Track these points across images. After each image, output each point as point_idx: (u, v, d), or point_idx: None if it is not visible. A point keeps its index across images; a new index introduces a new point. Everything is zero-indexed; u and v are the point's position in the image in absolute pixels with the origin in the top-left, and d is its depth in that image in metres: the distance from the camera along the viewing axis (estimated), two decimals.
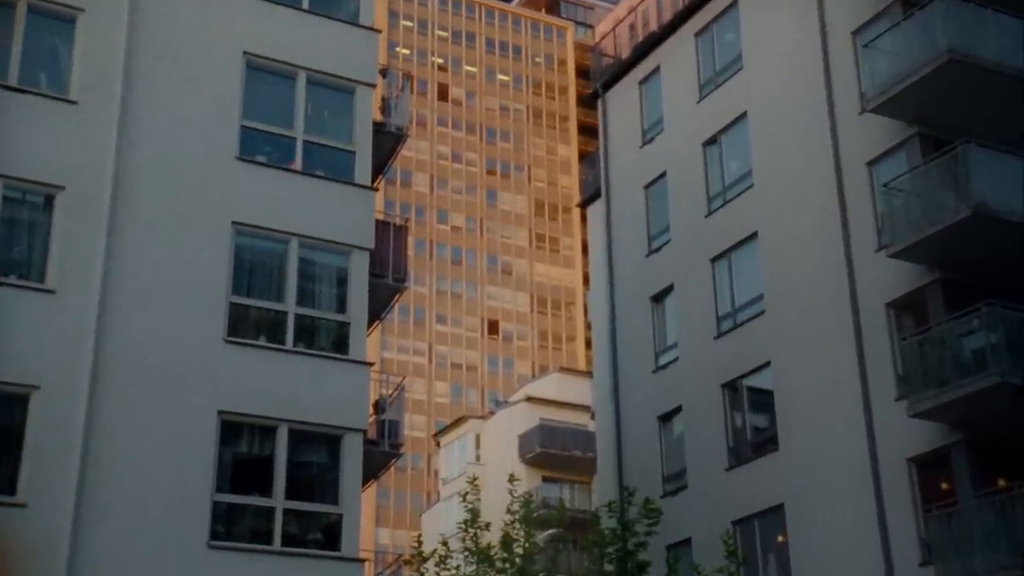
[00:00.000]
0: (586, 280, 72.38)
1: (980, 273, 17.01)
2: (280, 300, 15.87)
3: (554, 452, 40.56)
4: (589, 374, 34.17)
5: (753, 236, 21.08)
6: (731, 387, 20.96)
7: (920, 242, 16.99)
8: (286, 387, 15.38)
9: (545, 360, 79.72)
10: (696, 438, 21.37)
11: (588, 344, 73.31)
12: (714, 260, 21.92)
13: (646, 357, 23.20)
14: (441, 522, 44.68)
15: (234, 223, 15.85)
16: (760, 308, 20.61)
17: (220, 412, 14.94)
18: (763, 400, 20.34)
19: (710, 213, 22.31)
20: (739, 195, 21.64)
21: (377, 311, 17.98)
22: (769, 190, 20.94)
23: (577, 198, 73.44)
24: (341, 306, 16.27)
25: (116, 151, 15.28)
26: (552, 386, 44.90)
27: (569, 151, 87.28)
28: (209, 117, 16.12)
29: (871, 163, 18.85)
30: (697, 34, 23.32)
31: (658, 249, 23.61)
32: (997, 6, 17.44)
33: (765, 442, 20.02)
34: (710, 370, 21.25)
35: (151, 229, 15.29)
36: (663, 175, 23.86)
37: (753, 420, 20.68)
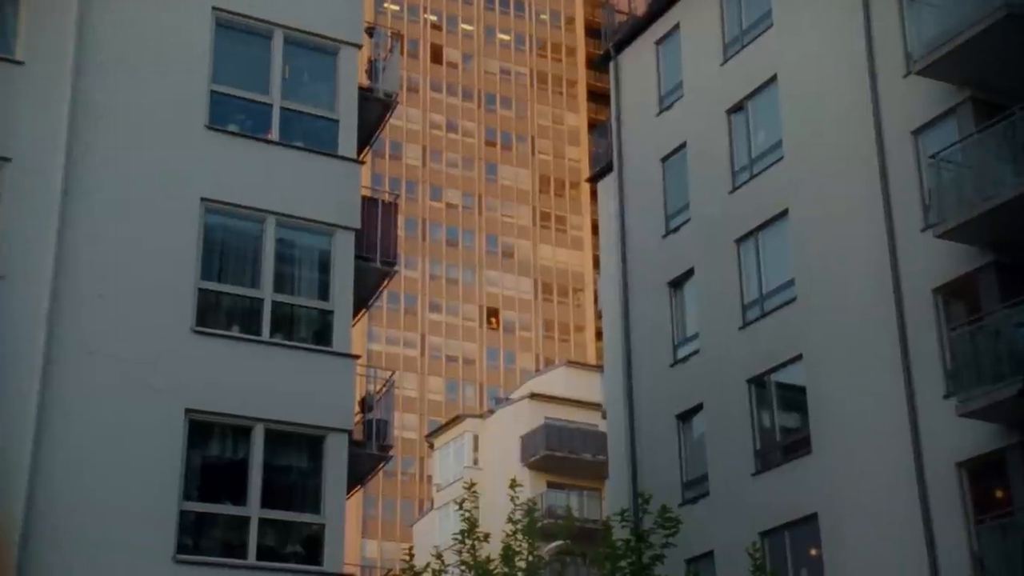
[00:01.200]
0: (596, 264, 72.37)
1: None
2: (255, 286, 15.84)
3: (561, 455, 40.65)
4: (600, 368, 34.16)
5: (783, 214, 21.01)
6: (758, 383, 20.92)
7: (972, 220, 16.86)
8: (262, 383, 15.36)
9: (551, 353, 79.79)
10: (719, 439, 21.36)
11: (598, 335, 73.38)
12: (739, 241, 21.85)
13: (663, 349, 23.17)
14: (435, 533, 44.80)
15: (203, 200, 15.78)
16: (791, 295, 20.57)
17: (188, 411, 14.91)
18: (794, 397, 20.31)
19: (735, 189, 22.22)
20: (768, 168, 21.55)
21: (364, 298, 17.96)
22: (802, 162, 20.85)
23: (586, 172, 73.41)
24: (323, 293, 16.26)
25: (69, 119, 15.14)
26: (558, 381, 44.95)
27: (578, 120, 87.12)
28: (174, 81, 16.02)
29: (917, 132, 18.73)
30: None
31: (677, 229, 23.56)
32: None
33: (796, 444, 20.01)
34: (735, 364, 21.22)
35: (109, 207, 15.20)
36: (682, 146, 23.79)
37: (783, 420, 20.66)
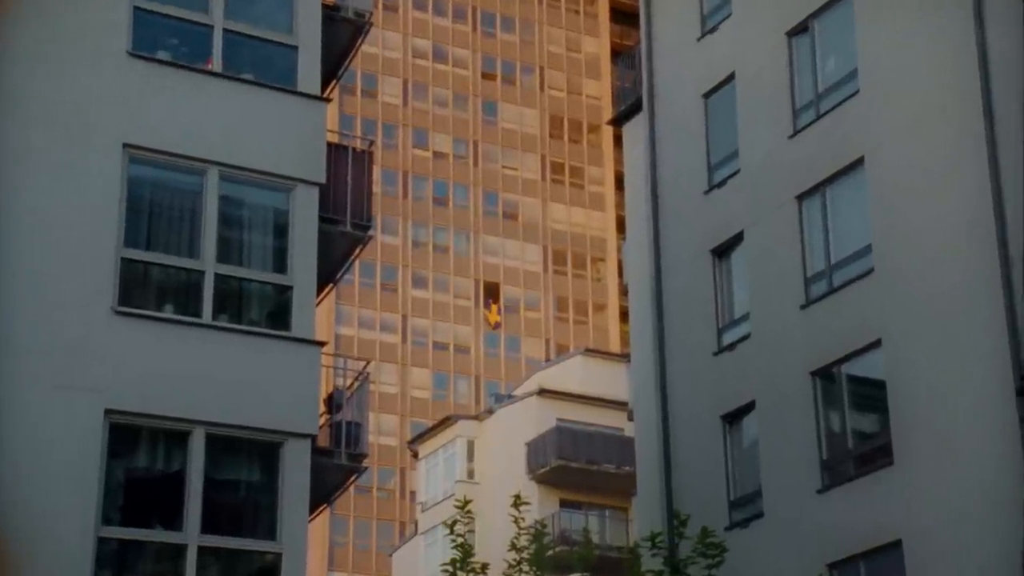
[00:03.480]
0: (621, 227, 72.31)
1: None
2: (193, 255, 15.86)
3: (576, 466, 40.77)
4: (625, 357, 34.13)
5: (858, 163, 20.91)
6: (825, 376, 20.87)
7: None
8: (202, 376, 15.39)
9: (564, 338, 79.88)
10: (775, 447, 21.36)
11: (623, 316, 73.37)
12: (802, 198, 21.77)
13: (705, 334, 23.13)
14: (419, 563, 44.98)
15: (126, 147, 15.74)
16: (867, 265, 20.50)
17: (108, 412, 14.90)
18: (871, 394, 20.27)
19: (797, 132, 22.13)
20: (839, 105, 21.45)
21: (330, 270, 18.00)
22: (883, 97, 20.73)
23: (609, 113, 73.19)
24: (280, 263, 16.32)
25: None
26: (574, 374, 45.00)
27: (598, 46, 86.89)
28: None
29: None
30: None
31: (722, 183, 23.49)
32: None
33: (874, 453, 20.00)
34: (795, 352, 21.21)
35: (6, 159, 15.12)
36: (730, 79, 23.71)
37: (857, 422, 20.65)
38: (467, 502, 17.98)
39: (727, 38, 23.85)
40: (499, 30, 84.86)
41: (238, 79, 16.60)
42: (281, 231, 16.46)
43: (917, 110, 20.16)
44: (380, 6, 78.80)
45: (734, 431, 22.46)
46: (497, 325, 78.24)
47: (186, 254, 15.84)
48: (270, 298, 16.38)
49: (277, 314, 16.23)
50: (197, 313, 15.66)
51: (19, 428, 14.47)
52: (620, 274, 65.42)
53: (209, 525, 15.05)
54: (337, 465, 17.13)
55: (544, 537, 18.12)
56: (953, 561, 18.38)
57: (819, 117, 21.78)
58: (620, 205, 74.11)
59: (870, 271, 20.36)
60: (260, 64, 16.85)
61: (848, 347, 20.45)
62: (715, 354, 22.91)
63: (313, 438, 15.95)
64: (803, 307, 21.36)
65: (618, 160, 76.27)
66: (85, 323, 14.98)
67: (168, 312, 15.65)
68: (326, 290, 18.49)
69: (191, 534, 14.94)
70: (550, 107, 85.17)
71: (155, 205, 16.00)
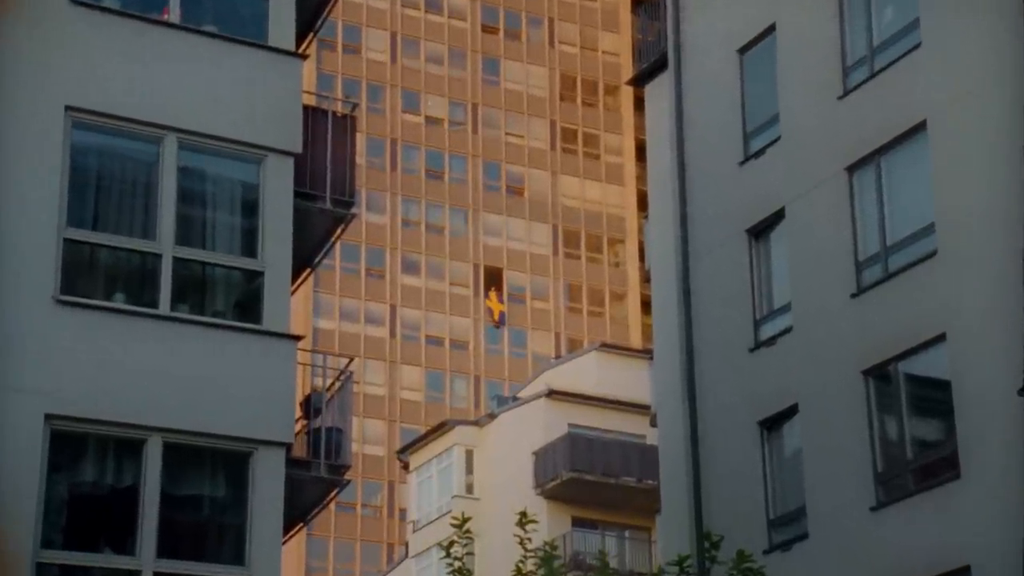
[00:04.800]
0: (643, 203, 72.14)
1: None
2: (148, 236, 15.86)
3: (592, 478, 40.79)
4: (647, 354, 34.11)
5: (919, 128, 20.87)
6: (880, 375, 20.86)
7: None
8: (159, 376, 15.42)
9: (577, 331, 79.94)
10: (822, 458, 21.35)
11: (646, 306, 73.38)
12: (853, 169, 21.74)
13: (740, 327, 23.14)
14: None
15: (68, 110, 15.74)
16: (929, 246, 20.48)
17: (49, 418, 14.89)
18: (934, 396, 20.29)
19: (847, 92, 22.09)
20: (897, 61, 21.39)
21: (308, 254, 18.03)
22: (949, 52, 20.69)
23: (629, 71, 73.08)
24: (249, 246, 16.36)
25: None
26: (588, 373, 45.03)
27: None
28: None
29: None
30: None
31: (761, 152, 23.49)
32: None
33: (937, 465, 20.00)
34: (845, 348, 21.19)
35: None
36: (770, 31, 23.70)
37: (917, 429, 20.65)
38: (465, 520, 17.95)
39: None
40: None
41: (199, 32, 16.63)
42: (250, 208, 16.48)
43: (989, 67, 20.07)
44: None
45: (774, 439, 22.47)
46: (501, 322, 78.12)
47: (139, 234, 15.83)
48: (238, 285, 16.42)
49: (246, 304, 16.26)
50: (153, 303, 15.64)
51: None
52: (641, 258, 65.43)
53: (167, 548, 15.05)
54: (315, 478, 17.12)
55: (554, 561, 18.04)
56: None
57: (873, 75, 21.72)
58: (641, 178, 73.92)
59: (932, 254, 20.31)
60: (224, 14, 16.91)
61: (907, 342, 20.42)
62: (751, 350, 22.91)
63: (288, 447, 15.98)
64: (854, 296, 21.31)
65: (639, 126, 76.03)
66: (22, 314, 14.95)
67: (119, 302, 15.62)
68: (302, 276, 18.51)
69: (146, 559, 14.92)
70: (561, 65, 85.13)
71: (103, 178, 16.00)
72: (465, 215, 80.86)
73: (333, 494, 17.72)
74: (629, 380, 41.47)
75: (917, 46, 21.08)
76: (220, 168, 16.60)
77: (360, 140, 69.37)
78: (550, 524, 38.02)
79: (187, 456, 15.51)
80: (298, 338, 16.37)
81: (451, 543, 17.86)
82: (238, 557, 15.37)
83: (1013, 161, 19.54)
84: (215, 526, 15.84)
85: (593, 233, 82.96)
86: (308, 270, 18.61)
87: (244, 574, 15.30)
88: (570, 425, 41.79)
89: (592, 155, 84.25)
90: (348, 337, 75.18)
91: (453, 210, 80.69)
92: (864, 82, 21.84)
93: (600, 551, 33.84)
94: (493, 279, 80.00)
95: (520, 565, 17.98)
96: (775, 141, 23.20)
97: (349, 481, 17.97)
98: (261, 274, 16.25)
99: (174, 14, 16.54)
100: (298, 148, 16.73)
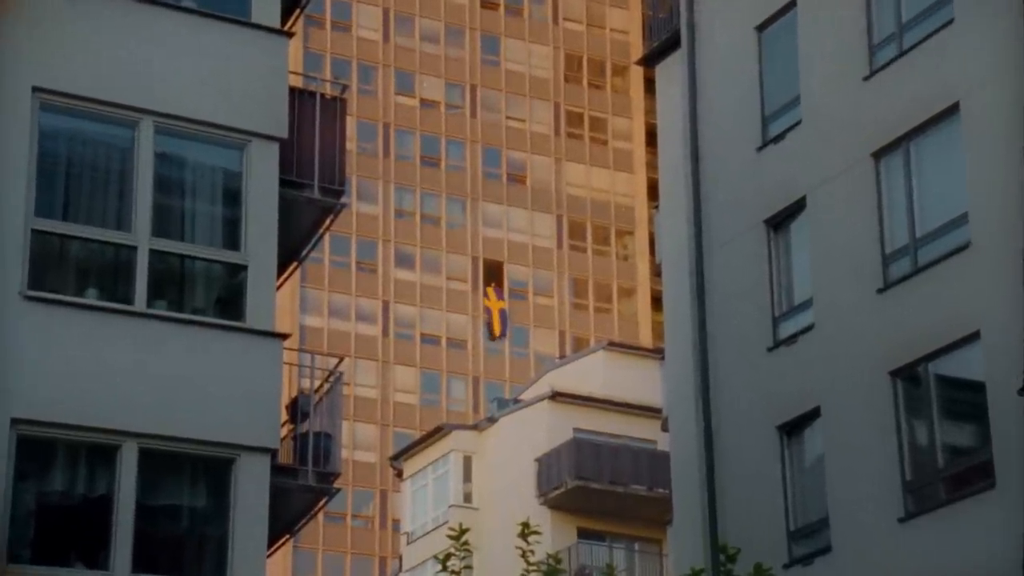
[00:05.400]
0: (653, 192, 72.13)
1: None
2: (123, 227, 15.88)
3: (598, 487, 40.79)
4: (658, 353, 34.09)
5: (952, 111, 20.82)
6: (909, 376, 20.85)
7: None
8: (135, 377, 15.43)
9: (582, 329, 79.94)
10: (846, 465, 21.33)
11: (656, 302, 73.29)
12: (880, 155, 21.72)
13: (758, 324, 23.15)
14: None
15: (36, 91, 15.75)
16: (962, 238, 20.45)
17: (15, 422, 14.93)
18: (967, 399, 20.28)
19: (874, 72, 22.05)
20: (927, 38, 21.33)
21: (295, 246, 18.07)
22: (984, 27, 20.55)
23: (639, 50, 73.07)
24: (231, 238, 16.41)
25: None
26: (595, 374, 45.07)
27: None
28: None
29: None
30: None
31: (780, 137, 23.49)
32: None
33: (971, 473, 19.94)
34: (871, 347, 21.16)
35: None
36: (790, 7, 23.69)
37: (949, 434, 20.62)
38: (463, 531, 18.00)
39: None
40: None
41: (177, 7, 16.66)
42: (232, 197, 16.52)
43: None
44: None
45: (794, 445, 22.45)
46: (501, 333, 78.07)
47: (113, 225, 15.86)
48: (219, 280, 16.47)
49: (228, 300, 16.30)
50: (128, 299, 15.67)
51: None
52: (652, 251, 65.34)
53: (142, 563, 15.06)
54: (302, 487, 17.16)
55: (558, 575, 18.08)
56: None
57: (902, 54, 21.67)
58: (652, 165, 74.02)
59: (965, 246, 20.27)
60: None
61: (937, 341, 20.38)
62: (770, 349, 22.91)
63: (273, 453, 16.00)
64: (880, 291, 21.27)
65: (649, 109, 76.01)
66: None
67: (91, 298, 15.65)
68: (289, 270, 18.52)
69: (120, 574, 14.92)
70: (565, 43, 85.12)
71: (74, 165, 16.02)
72: (463, 205, 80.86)
73: (321, 504, 17.73)
74: (638, 381, 41.54)
75: (949, 22, 21.00)
76: (200, 154, 16.62)
77: (350, 124, 69.42)
78: (554, 536, 38.00)
79: (164, 463, 15.52)
80: (284, 336, 16.39)
81: (448, 556, 17.89)
82: (219, 571, 15.40)
83: None
84: (195, 538, 15.84)
85: (600, 224, 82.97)
86: (295, 264, 18.62)
87: None
88: (575, 430, 41.76)
89: (599, 140, 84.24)
90: (337, 335, 75.20)
91: (450, 199, 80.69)
92: (892, 61, 21.78)
93: (608, 564, 33.83)
94: (493, 273, 79.98)
95: None
96: (796, 125, 23.16)
97: (339, 490, 17.92)
98: (244, 268, 16.29)
99: None
100: (284, 133, 16.77)
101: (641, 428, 40.60)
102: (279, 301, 16.84)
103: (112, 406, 15.21)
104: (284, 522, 17.32)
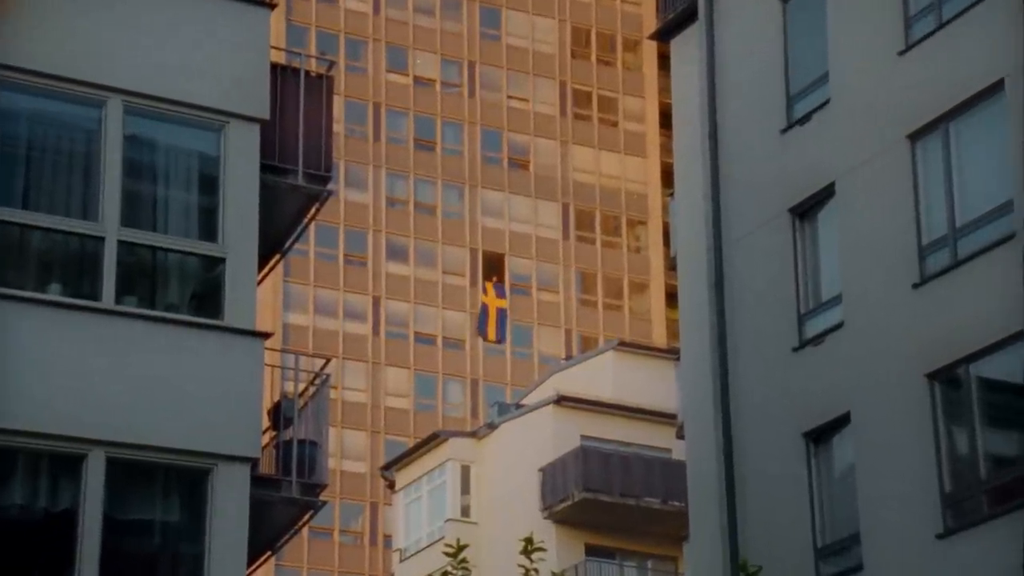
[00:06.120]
0: (667, 178, 72.13)
1: None
2: (89, 216, 15.89)
3: (608, 499, 40.88)
4: (673, 354, 34.06)
5: (996, 88, 20.78)
6: (948, 379, 20.86)
7: None
8: (103, 380, 15.44)
9: (590, 327, 79.95)
10: (880, 476, 21.33)
11: (671, 297, 73.34)
12: (916, 137, 21.72)
13: (782, 322, 23.17)
14: None
15: None
16: (1005, 228, 20.45)
17: None
18: (1011, 404, 20.32)
19: (910, 47, 22.04)
20: (969, 9, 21.27)
21: (277, 238, 18.09)
22: None
23: (652, 24, 73.06)
24: (208, 228, 16.42)
25: None
26: (604, 377, 45.13)
27: None
28: None
29: None
30: None
31: (806, 118, 23.50)
32: None
33: (1016, 485, 19.91)
34: (907, 347, 21.17)
35: None
36: None
37: (992, 443, 20.55)
38: (461, 548, 17.92)
39: None
40: None
41: None
42: (209, 184, 16.52)
43: None
44: None
45: (822, 454, 22.47)
46: (499, 337, 78.06)
47: (79, 214, 15.85)
48: (195, 274, 16.47)
49: (205, 296, 16.31)
50: (94, 295, 15.67)
51: None
52: (666, 242, 65.30)
53: None
54: (285, 499, 17.15)
55: None
56: None
57: (941, 26, 21.65)
58: (667, 149, 74.00)
59: (1010, 237, 20.24)
60: None
61: (979, 340, 20.34)
62: (795, 350, 22.93)
63: (253, 463, 15.99)
64: (916, 286, 21.28)
65: (664, 88, 76.01)
66: None
67: (54, 293, 15.63)
68: (271, 264, 18.50)
69: None
70: (572, 16, 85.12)
71: (36, 148, 16.01)
72: (460, 192, 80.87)
73: (306, 518, 17.71)
74: (651, 384, 41.51)
75: None
76: (173, 137, 16.62)
77: (338, 104, 69.35)
78: (560, 552, 37.98)
79: (134, 474, 15.52)
80: (266, 336, 16.41)
81: (444, 574, 17.88)
82: None
83: None
84: (167, 556, 15.85)
85: (610, 213, 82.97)
86: (277, 256, 18.60)
87: None
88: (583, 437, 41.86)
89: (609, 122, 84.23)
90: (324, 334, 75.22)
91: (446, 186, 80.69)
92: (930, 34, 21.77)
93: None
94: (493, 267, 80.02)
95: None
96: (824, 105, 23.17)
97: (325, 502, 17.94)
98: (222, 261, 16.29)
99: None
100: (265, 114, 16.77)
101: (654, 435, 40.63)
102: (260, 297, 16.89)
103: (77, 412, 15.19)
104: (265, 538, 17.30)
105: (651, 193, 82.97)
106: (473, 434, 47.63)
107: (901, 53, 22.05)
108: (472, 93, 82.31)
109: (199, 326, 16.06)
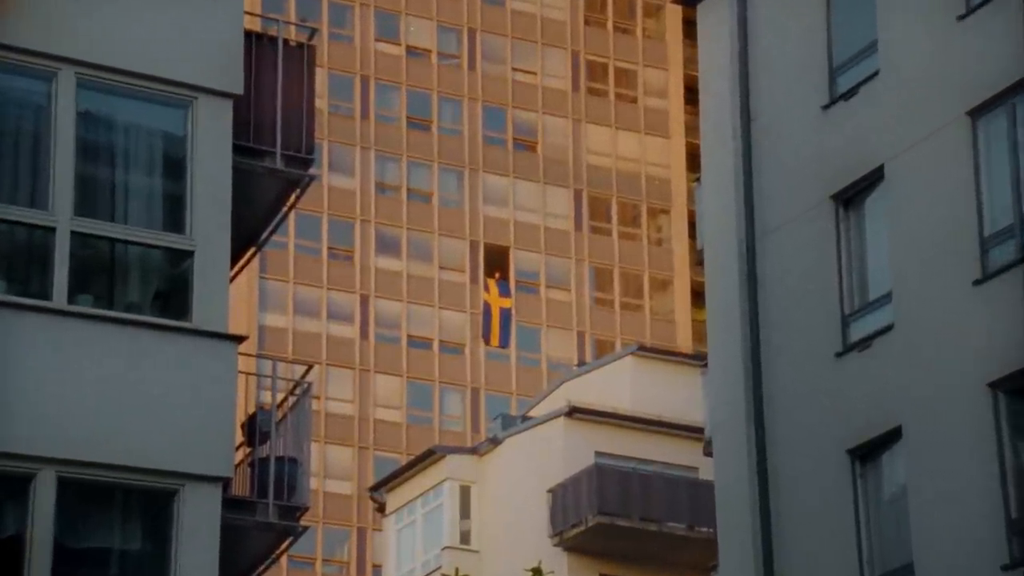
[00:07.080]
0: (693, 162, 72.15)
1: None
2: (38, 204, 15.96)
3: (626, 524, 41.04)
4: (700, 360, 34.06)
5: None
6: (1013, 389, 20.82)
7: None
8: (53, 390, 15.48)
9: (606, 330, 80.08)
10: (936, 498, 21.35)
11: (697, 295, 73.41)
12: (977, 114, 21.73)
13: (823, 324, 23.21)
14: None
15: None
16: None
17: None
18: None
19: (970, 11, 22.02)
20: None
21: (253, 228, 18.19)
22: None
23: None
24: (174, 218, 16.51)
25: None
26: (621, 385, 45.31)
27: None
28: None
29: None
30: None
31: (852, 92, 23.56)
32: None
33: None
34: (966, 353, 21.21)
35: None
36: None
37: None
38: None
39: None
40: None
41: None
42: (176, 167, 16.62)
43: None
44: None
45: (870, 473, 22.51)
46: (502, 341, 78.11)
47: (26, 202, 15.93)
48: (159, 270, 16.57)
49: (170, 295, 16.43)
50: (44, 293, 15.74)
51: None
52: (692, 234, 65.39)
53: None
54: (262, 524, 17.23)
55: None
56: None
57: None
58: (692, 128, 74.08)
59: None
60: None
61: None
62: (839, 355, 22.96)
63: (225, 483, 16.08)
64: (977, 283, 21.27)
65: (690, 59, 76.13)
66: None
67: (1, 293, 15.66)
68: (245, 258, 18.60)
69: None
70: None
71: None
72: (459, 177, 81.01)
73: (285, 545, 17.80)
74: (675, 395, 41.69)
75: None
76: (134, 114, 16.74)
77: (320, 77, 69.45)
78: None
79: (89, 496, 15.63)
80: (239, 339, 16.49)
81: None
82: None
83: None
84: None
85: (628, 201, 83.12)
86: (252, 249, 18.71)
87: None
88: (597, 454, 42.00)
89: (627, 98, 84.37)
90: (305, 337, 75.37)
91: (443, 170, 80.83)
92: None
93: None
94: (496, 262, 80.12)
95: None
96: (872, 77, 23.21)
97: (306, 528, 17.98)
98: (190, 255, 16.36)
99: None
100: (238, 88, 16.87)
101: (678, 452, 40.84)
102: (233, 295, 16.91)
103: (24, 426, 15.24)
104: (239, 568, 17.39)
105: (675, 178, 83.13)
106: (474, 450, 47.74)
107: (960, 18, 22.02)
108: (472, 65, 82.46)
109: (164, 328, 16.11)
